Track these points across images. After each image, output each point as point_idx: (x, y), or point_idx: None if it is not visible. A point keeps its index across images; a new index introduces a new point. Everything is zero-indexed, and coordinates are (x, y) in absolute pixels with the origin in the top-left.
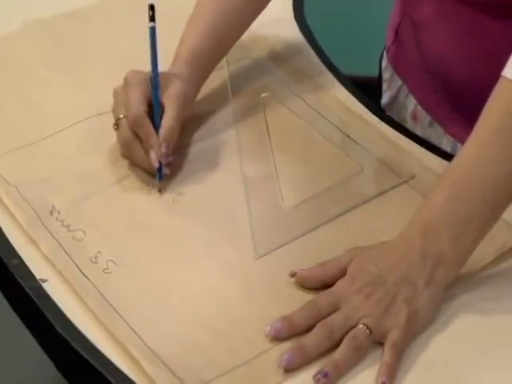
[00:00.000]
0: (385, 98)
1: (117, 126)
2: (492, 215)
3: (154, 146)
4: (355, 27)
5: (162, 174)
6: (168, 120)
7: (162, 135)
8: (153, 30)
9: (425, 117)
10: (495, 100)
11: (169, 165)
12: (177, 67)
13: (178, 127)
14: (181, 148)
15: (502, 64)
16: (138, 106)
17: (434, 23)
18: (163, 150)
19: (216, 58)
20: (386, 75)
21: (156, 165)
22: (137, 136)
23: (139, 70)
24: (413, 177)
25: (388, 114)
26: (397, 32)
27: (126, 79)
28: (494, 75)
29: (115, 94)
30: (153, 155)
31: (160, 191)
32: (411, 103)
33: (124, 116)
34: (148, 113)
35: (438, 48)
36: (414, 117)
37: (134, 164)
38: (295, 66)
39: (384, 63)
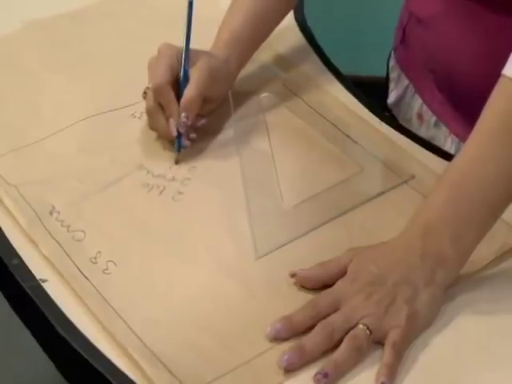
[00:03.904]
0: (391, 98)
1: (145, 95)
2: (492, 215)
3: (174, 114)
4: (355, 27)
5: (182, 145)
6: (189, 90)
7: (182, 104)
8: (190, 5)
9: (430, 117)
10: (495, 99)
11: (191, 140)
12: (216, 49)
13: (198, 98)
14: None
15: (505, 63)
16: (161, 76)
17: (439, 21)
18: (182, 119)
19: (254, 45)
20: (393, 75)
21: (174, 133)
22: (160, 106)
23: (173, 44)
24: (413, 177)
25: (394, 113)
26: (404, 32)
27: (158, 51)
28: (498, 75)
29: (148, 65)
30: (171, 123)
31: (177, 163)
32: (417, 103)
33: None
34: (175, 85)
35: (442, 47)
36: (420, 117)
37: (160, 136)
38: (295, 65)
39: (391, 63)
